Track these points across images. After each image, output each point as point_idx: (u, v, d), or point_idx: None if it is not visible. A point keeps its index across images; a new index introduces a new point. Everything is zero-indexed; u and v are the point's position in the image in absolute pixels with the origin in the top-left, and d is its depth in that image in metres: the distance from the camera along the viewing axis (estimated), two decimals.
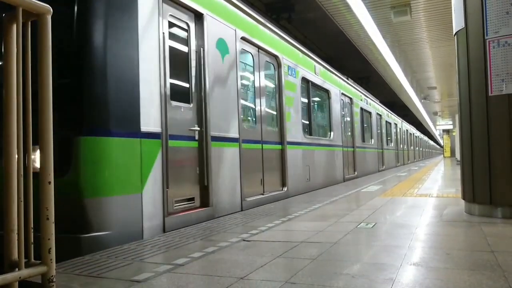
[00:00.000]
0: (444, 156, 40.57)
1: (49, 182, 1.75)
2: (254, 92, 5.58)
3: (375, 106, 14.42)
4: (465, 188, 3.81)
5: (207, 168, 4.17)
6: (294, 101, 6.79)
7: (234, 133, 4.75)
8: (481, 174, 3.59)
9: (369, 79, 17.35)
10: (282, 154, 6.15)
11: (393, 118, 18.78)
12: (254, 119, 5.57)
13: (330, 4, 7.86)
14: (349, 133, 10.65)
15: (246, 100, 5.45)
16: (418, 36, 10.12)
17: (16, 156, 1.71)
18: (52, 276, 1.74)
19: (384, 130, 15.81)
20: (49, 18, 1.79)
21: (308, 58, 7.78)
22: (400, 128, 20.65)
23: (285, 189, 6.09)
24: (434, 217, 3.75)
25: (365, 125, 12.75)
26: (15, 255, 1.69)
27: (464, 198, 3.86)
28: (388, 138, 17.01)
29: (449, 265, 2.13)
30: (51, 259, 1.73)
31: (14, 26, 1.73)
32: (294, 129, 6.70)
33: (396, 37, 10.14)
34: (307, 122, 7.78)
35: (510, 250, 2.42)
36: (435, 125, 38.65)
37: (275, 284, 1.92)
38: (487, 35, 3.50)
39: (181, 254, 2.59)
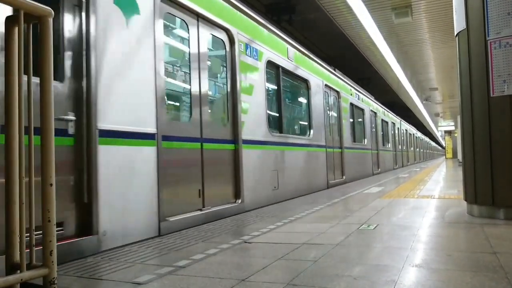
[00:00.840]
0: (446, 158, 40.49)
1: (51, 184, 1.75)
2: (190, 73, 4.24)
3: (368, 103, 13.12)
4: (467, 190, 3.80)
5: (90, 176, 2.87)
6: (256, 89, 5.39)
7: (147, 126, 3.41)
8: (483, 175, 3.58)
9: (370, 80, 17.34)
10: (236, 156, 4.83)
11: (390, 117, 17.59)
12: (188, 108, 4.24)
13: (331, 5, 7.86)
14: (336, 132, 9.34)
15: (175, 81, 4.23)
16: (419, 37, 10.12)
17: (18, 158, 1.71)
18: (54, 278, 1.74)
19: (379, 130, 14.61)
20: (50, 20, 1.80)
21: (278, 39, 6.36)
22: (398, 128, 19.58)
23: (239, 201, 4.77)
24: (436, 218, 3.74)
25: (356, 123, 11.52)
26: (17, 257, 1.69)
27: (466, 199, 3.85)
28: (385, 138, 15.82)
29: (451, 267, 2.13)
30: (52, 261, 1.74)
31: (16, 29, 1.74)
32: (255, 124, 5.30)
33: (397, 39, 10.13)
34: (276, 117, 6.42)
35: None
36: (436, 126, 38.59)
37: (277, 286, 1.92)
38: (488, 36, 3.50)
39: (182, 256, 2.59)
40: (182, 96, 4.30)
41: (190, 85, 4.22)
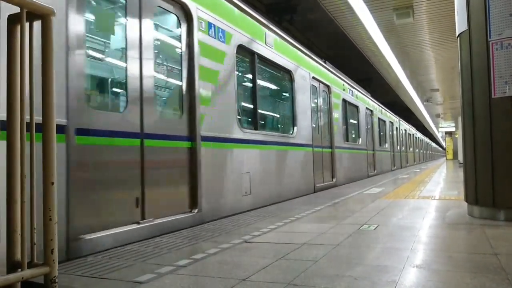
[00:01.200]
0: (446, 159, 40.46)
1: (52, 183, 1.75)
2: (127, 51, 3.36)
3: (364, 100, 12.25)
4: (467, 191, 3.80)
5: None
6: (222, 76, 4.58)
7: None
8: (484, 176, 3.58)
9: (371, 80, 17.32)
10: (193, 155, 4.02)
11: (388, 116, 16.69)
12: (123, 95, 3.43)
13: (332, 5, 7.86)
14: (326, 130, 8.57)
15: (104, 60, 3.55)
16: (420, 38, 10.11)
17: (19, 157, 1.71)
18: (55, 276, 1.74)
19: (376, 129, 13.69)
20: (52, 19, 1.80)
21: (253, 21, 5.48)
22: (397, 128, 18.78)
23: (196, 210, 3.95)
24: (436, 219, 3.74)
25: (350, 122, 10.71)
26: (18, 256, 1.70)
27: (466, 200, 3.85)
28: (382, 138, 14.92)
29: (451, 268, 2.12)
30: (53, 260, 1.74)
31: (18, 27, 1.74)
32: (220, 119, 4.53)
33: (399, 39, 10.13)
34: (251, 111, 5.60)
35: None
36: (437, 127, 38.57)
37: (278, 285, 1.92)
38: (490, 37, 3.50)
39: (183, 256, 2.59)
40: (113, 79, 3.52)
41: (126, 66, 3.35)
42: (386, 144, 15.83)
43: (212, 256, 2.56)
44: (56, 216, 1.76)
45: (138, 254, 2.68)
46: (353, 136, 11.08)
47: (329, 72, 8.93)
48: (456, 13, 3.90)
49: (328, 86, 8.73)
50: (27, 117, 1.74)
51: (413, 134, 25.89)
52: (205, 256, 2.55)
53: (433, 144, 57.03)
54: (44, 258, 1.73)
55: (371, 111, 13.24)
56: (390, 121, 16.91)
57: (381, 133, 14.90)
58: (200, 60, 4.20)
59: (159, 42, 3.97)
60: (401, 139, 20.11)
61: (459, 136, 26.24)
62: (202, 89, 4.23)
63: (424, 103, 21.14)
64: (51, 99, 1.77)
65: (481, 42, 3.57)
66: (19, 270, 1.68)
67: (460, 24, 3.80)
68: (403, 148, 20.43)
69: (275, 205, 5.21)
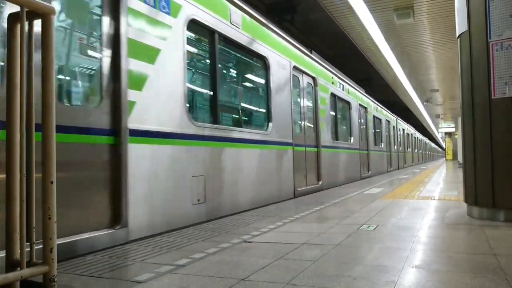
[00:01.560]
0: (446, 159, 40.48)
1: (51, 182, 1.75)
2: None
3: (356, 96, 11.23)
4: (467, 191, 3.80)
5: None
6: (164, 55, 3.71)
7: None
8: (484, 177, 3.58)
9: (371, 81, 17.34)
10: (117, 155, 3.16)
11: (385, 114, 15.76)
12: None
13: (333, 6, 7.86)
14: (311, 127, 7.63)
15: None
16: (421, 39, 10.11)
17: (19, 156, 1.71)
18: (54, 275, 1.74)
19: (371, 127, 12.83)
20: (53, 18, 1.80)
21: None
22: (394, 127, 17.92)
23: (119, 227, 3.09)
24: (436, 219, 3.74)
25: (340, 118, 9.77)
26: (17, 255, 1.69)
27: (466, 201, 3.85)
28: (377, 137, 14.02)
29: (451, 268, 2.13)
30: (52, 259, 1.74)
31: (18, 26, 1.74)
32: (159, 108, 3.61)
33: (399, 40, 10.13)
34: (208, 101, 4.70)
35: None
36: (437, 127, 38.59)
37: (277, 285, 1.92)
38: (490, 38, 3.50)
39: (182, 255, 2.59)
40: None
41: None
42: (382, 144, 15.00)
43: (211, 255, 2.56)
44: (55, 215, 1.76)
45: (137, 253, 2.68)
46: (344, 134, 10.18)
47: (315, 63, 7.88)
48: (456, 13, 3.90)
49: (313, 78, 7.65)
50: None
51: (411, 134, 25.10)
52: (204, 256, 2.55)
53: (433, 145, 57.00)
54: (43, 257, 1.73)
55: (365, 108, 12.37)
56: (386, 120, 16.15)
57: (377, 132, 14.05)
58: (129, 32, 3.33)
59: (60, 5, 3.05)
60: (399, 139, 19.37)
61: (458, 136, 26.21)
62: (134, 70, 3.37)
63: (424, 103, 21.14)
64: (51, 97, 1.77)
65: (481, 43, 3.57)
66: (18, 269, 1.67)
67: (460, 25, 3.81)
68: (400, 148, 19.58)
69: (236, 215, 4.40)
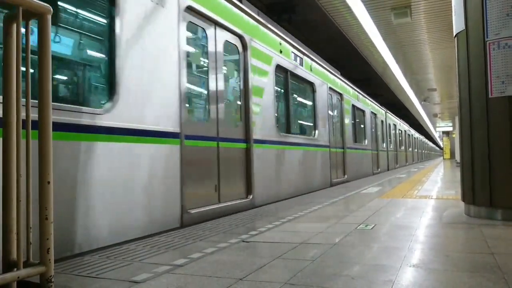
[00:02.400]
0: (443, 158, 40.59)
1: (48, 182, 1.74)
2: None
3: (326, 76, 8.76)
4: (465, 190, 3.81)
5: None
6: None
7: None
8: (481, 176, 3.59)
9: (369, 80, 17.36)
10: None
11: (370, 105, 13.50)
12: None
13: (331, 5, 7.87)
14: (234, 113, 5.37)
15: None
16: (418, 38, 10.13)
17: (15, 156, 1.70)
18: (51, 276, 1.74)
19: (348, 119, 10.58)
20: (49, 17, 1.79)
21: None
22: (382, 121, 15.63)
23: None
24: (434, 219, 3.74)
25: (294, 105, 7.48)
26: (14, 255, 1.69)
27: (464, 200, 3.86)
28: (359, 132, 11.78)
29: (448, 267, 2.13)
30: (49, 259, 1.73)
31: (15, 26, 1.73)
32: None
33: (396, 39, 10.15)
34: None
35: (510, 252, 2.42)
36: (435, 127, 38.68)
37: (275, 285, 1.92)
38: (487, 37, 3.51)
39: (180, 255, 2.58)
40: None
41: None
42: (366, 141, 12.53)
43: (209, 255, 2.55)
44: (52, 215, 1.75)
45: (135, 253, 2.67)
46: (304, 126, 8.07)
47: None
48: (453, 13, 3.90)
49: (240, 38, 5.33)
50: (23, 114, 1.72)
51: (405, 131, 22.68)
52: (202, 256, 2.54)
53: (430, 144, 56.99)
54: (40, 258, 1.72)
55: (340, 94, 10.12)
56: (372, 112, 13.79)
57: (358, 126, 11.81)
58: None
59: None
60: (388, 133, 16.80)
61: (456, 135, 26.21)
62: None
63: (422, 102, 21.18)
64: (47, 97, 1.77)
65: (478, 42, 3.57)
66: (15, 269, 1.67)
67: (458, 24, 3.81)
68: (391, 147, 17.25)
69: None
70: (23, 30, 1.78)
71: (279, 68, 6.46)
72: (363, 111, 12.39)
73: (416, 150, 29.61)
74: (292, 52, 7.06)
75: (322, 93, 8.54)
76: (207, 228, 3.58)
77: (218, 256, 2.52)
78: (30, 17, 1.77)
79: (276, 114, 6.19)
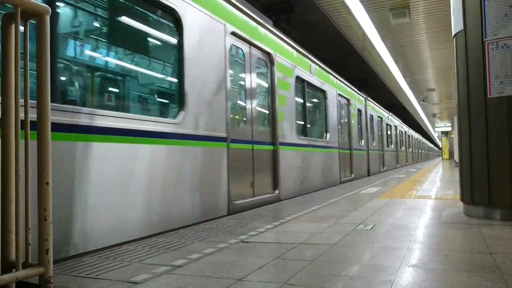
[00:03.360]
0: (442, 158, 40.62)
1: (47, 183, 1.74)
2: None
3: (286, 52, 6.78)
4: (463, 190, 3.82)
5: None
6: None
7: None
8: (480, 176, 3.59)
9: (367, 80, 17.38)
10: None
11: (358, 99, 11.83)
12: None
13: (329, 5, 7.87)
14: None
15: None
16: (417, 38, 10.15)
17: (14, 157, 1.70)
18: (50, 277, 1.73)
19: (334, 115, 9.31)
20: (47, 18, 1.79)
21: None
22: (372, 116, 13.76)
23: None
24: (432, 219, 3.75)
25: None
26: (13, 256, 1.68)
27: (462, 200, 3.86)
28: (329, 124, 9.12)
29: (447, 267, 2.13)
30: (48, 260, 1.73)
31: (13, 26, 1.73)
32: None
33: (395, 39, 10.16)
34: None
35: (509, 252, 2.42)
36: (433, 127, 38.72)
37: (274, 285, 1.91)
38: (486, 37, 3.51)
39: (179, 255, 2.58)
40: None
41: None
42: (328, 134, 9.15)
43: (209, 256, 2.55)
44: (51, 216, 1.75)
45: (134, 254, 2.67)
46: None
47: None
48: (452, 13, 3.91)
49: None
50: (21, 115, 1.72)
51: (396, 126, 20.12)
52: (201, 256, 2.54)
53: (429, 144, 56.95)
54: (39, 259, 1.72)
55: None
56: (358, 109, 11.99)
57: (331, 120, 9.31)
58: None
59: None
60: (381, 132, 15.43)
61: (455, 135, 26.20)
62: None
63: (421, 103, 21.20)
64: (46, 97, 1.76)
65: (477, 42, 3.58)
66: (14, 270, 1.67)
67: (456, 24, 3.82)
68: (373, 144, 14.02)
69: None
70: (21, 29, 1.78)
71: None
72: (346, 105, 10.89)
73: (410, 149, 27.29)
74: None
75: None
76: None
77: (217, 257, 2.52)
78: (29, 18, 1.77)
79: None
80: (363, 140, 12.47)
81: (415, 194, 6.00)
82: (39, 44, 1.77)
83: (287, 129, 6.58)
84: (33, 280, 1.75)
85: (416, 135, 32.94)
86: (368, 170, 12.97)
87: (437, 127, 38.26)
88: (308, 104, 8.03)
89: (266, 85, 6.20)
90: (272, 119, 6.17)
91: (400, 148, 21.20)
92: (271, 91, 6.22)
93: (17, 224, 1.69)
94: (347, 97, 10.77)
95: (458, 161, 4.09)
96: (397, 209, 4.43)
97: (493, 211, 3.52)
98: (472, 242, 2.73)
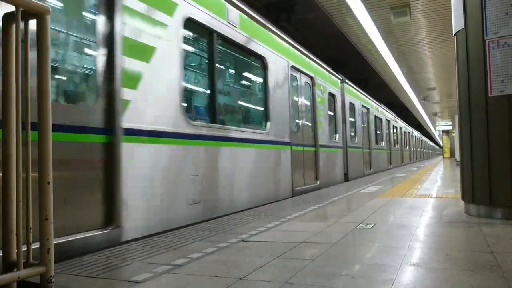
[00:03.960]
0: (443, 157, 40.59)
1: (48, 183, 1.74)
2: None
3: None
4: (464, 189, 3.81)
5: None
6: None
7: None
8: (481, 175, 3.59)
9: (368, 80, 17.36)
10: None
11: (330, 80, 9.50)
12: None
13: (330, 4, 7.86)
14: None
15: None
16: (417, 37, 10.13)
17: (15, 157, 1.70)
18: (51, 276, 1.74)
19: (281, 95, 6.88)
20: (48, 18, 1.79)
21: None
22: (352, 104, 11.46)
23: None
24: (433, 217, 3.75)
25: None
26: (14, 255, 1.69)
27: (463, 198, 3.86)
28: (302, 118, 7.84)
29: (448, 266, 2.13)
30: (49, 260, 1.73)
31: (13, 26, 1.73)
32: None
33: (396, 38, 10.14)
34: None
35: (510, 251, 2.42)
36: (434, 126, 38.69)
37: (275, 284, 1.92)
38: (486, 36, 3.51)
39: (180, 255, 2.58)
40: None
41: None
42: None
43: (209, 255, 2.55)
44: (52, 215, 1.75)
45: (135, 253, 2.67)
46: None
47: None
48: (452, 11, 3.90)
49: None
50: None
51: (389, 120, 18.12)
52: (202, 255, 2.54)
53: (430, 143, 56.85)
54: (40, 258, 1.72)
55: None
56: (350, 103, 11.21)
57: (303, 115, 7.82)
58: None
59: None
60: (375, 129, 14.44)
61: (456, 134, 26.14)
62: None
63: (421, 101, 21.17)
64: (47, 97, 1.76)
65: (477, 40, 3.57)
66: (15, 270, 1.67)
67: (457, 22, 3.81)
68: (355, 140, 11.67)
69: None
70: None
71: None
72: (331, 97, 9.72)
73: (409, 148, 25.71)
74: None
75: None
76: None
77: (218, 256, 2.52)
78: (29, 18, 1.77)
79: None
80: (337, 135, 9.93)
81: (416, 193, 6.00)
82: (40, 44, 1.77)
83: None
84: (35, 279, 1.76)
85: (415, 133, 30.82)
86: (346, 174, 10.39)
87: (438, 125, 38.23)
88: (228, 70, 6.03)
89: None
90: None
91: (394, 146, 18.87)
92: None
93: (18, 223, 1.69)
94: (310, 74, 8.07)
95: (459, 160, 4.09)
96: (398, 208, 4.43)
97: (494, 210, 3.52)
98: (473, 241, 2.73)
